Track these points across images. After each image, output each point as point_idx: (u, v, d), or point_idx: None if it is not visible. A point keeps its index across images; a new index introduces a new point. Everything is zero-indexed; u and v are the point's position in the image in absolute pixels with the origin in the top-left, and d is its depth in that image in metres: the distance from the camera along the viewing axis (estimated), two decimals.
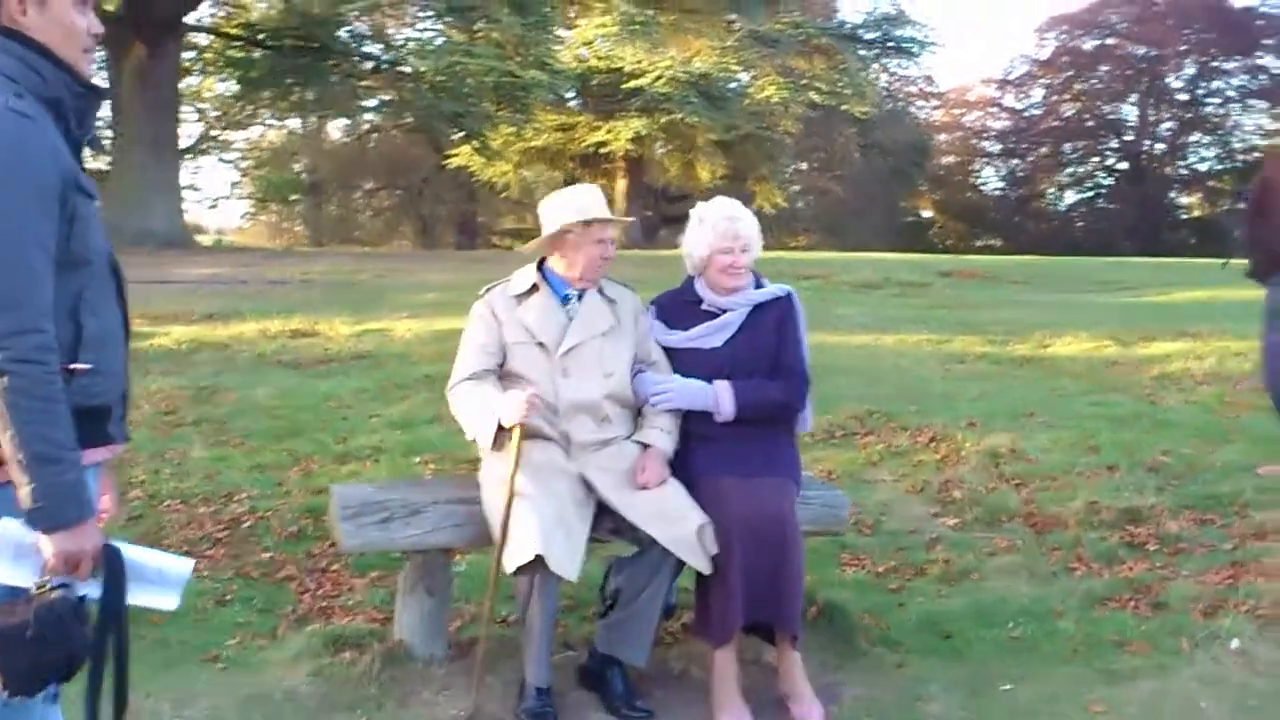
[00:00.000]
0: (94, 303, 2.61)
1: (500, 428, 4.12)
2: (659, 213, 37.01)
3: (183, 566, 2.70)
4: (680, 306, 4.64)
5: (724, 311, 4.55)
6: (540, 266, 4.52)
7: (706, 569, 4.11)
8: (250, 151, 42.53)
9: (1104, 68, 48.99)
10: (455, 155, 30.62)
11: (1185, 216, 50.34)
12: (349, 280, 15.13)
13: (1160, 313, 12.63)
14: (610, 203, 20.26)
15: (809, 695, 4.20)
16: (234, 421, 7.88)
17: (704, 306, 4.58)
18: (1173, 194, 50.76)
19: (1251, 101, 49.51)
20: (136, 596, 2.60)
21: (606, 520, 4.24)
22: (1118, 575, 5.28)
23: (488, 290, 4.51)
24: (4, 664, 2.41)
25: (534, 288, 4.44)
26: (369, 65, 24.80)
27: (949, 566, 5.45)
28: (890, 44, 33.66)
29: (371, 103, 28.90)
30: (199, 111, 34.98)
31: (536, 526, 3.96)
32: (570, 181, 35.88)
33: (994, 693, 4.32)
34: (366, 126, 38.65)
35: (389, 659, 4.40)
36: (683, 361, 4.51)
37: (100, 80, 2.90)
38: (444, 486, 4.59)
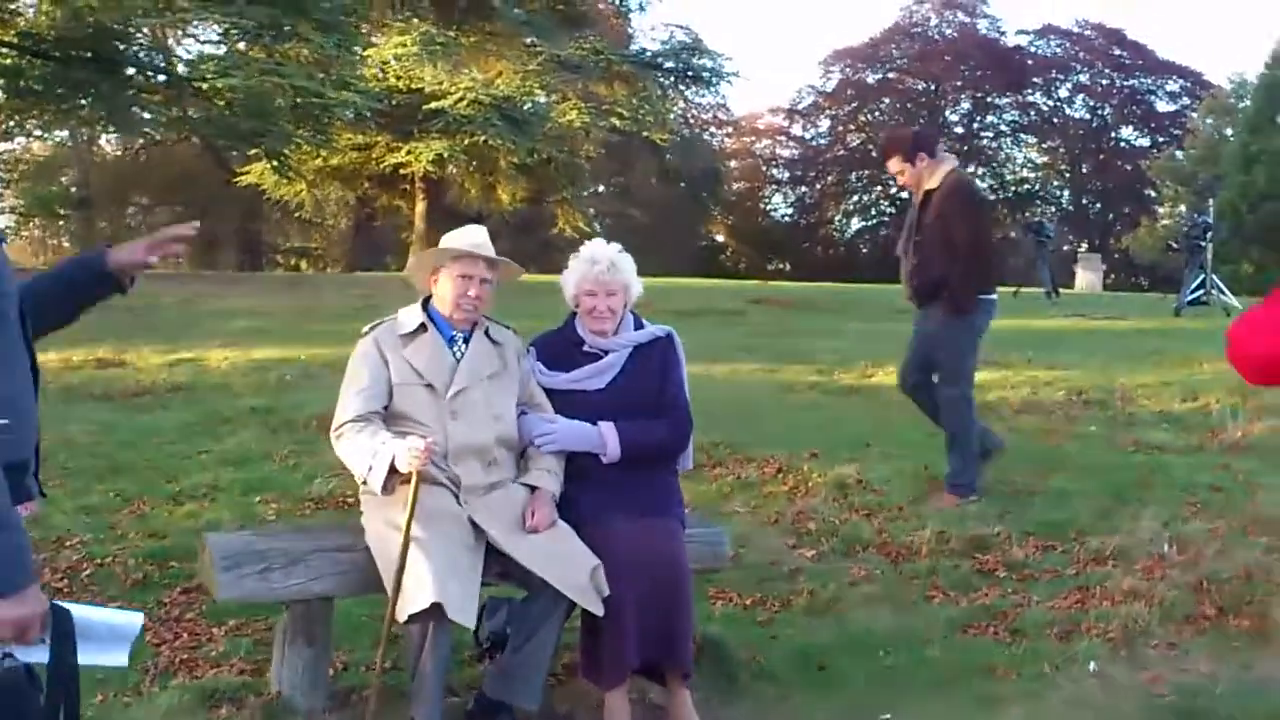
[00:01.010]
0: (4, 358, 2.46)
1: (392, 470, 4.05)
2: None
3: (133, 620, 2.58)
4: (561, 347, 4.64)
5: (606, 353, 4.57)
6: (425, 306, 4.47)
7: (599, 611, 4.12)
8: (13, 164, 40.45)
9: (886, 100, 50.86)
10: (246, 173, 29.79)
11: None
12: (152, 305, 14.56)
13: None
14: (410, 224, 19.95)
15: None
16: (50, 460, 7.44)
17: (585, 348, 4.60)
18: None
19: (1022, 135, 52.16)
20: (86, 657, 2.47)
21: (494, 564, 4.21)
22: (975, 602, 5.47)
23: (372, 328, 4.42)
24: None
25: (421, 327, 4.38)
26: (160, 79, 23.92)
27: (814, 598, 5.55)
28: (689, 73, 34.14)
29: (153, 117, 27.79)
30: None
31: (431, 574, 3.91)
32: (366, 201, 35.59)
33: None
34: (143, 141, 37.20)
35: (268, 713, 4.26)
36: (565, 403, 4.51)
37: None
38: (324, 533, 4.47)
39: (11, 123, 32.69)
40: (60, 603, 2.44)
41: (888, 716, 4.47)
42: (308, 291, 17.36)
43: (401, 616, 3.97)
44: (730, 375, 9.91)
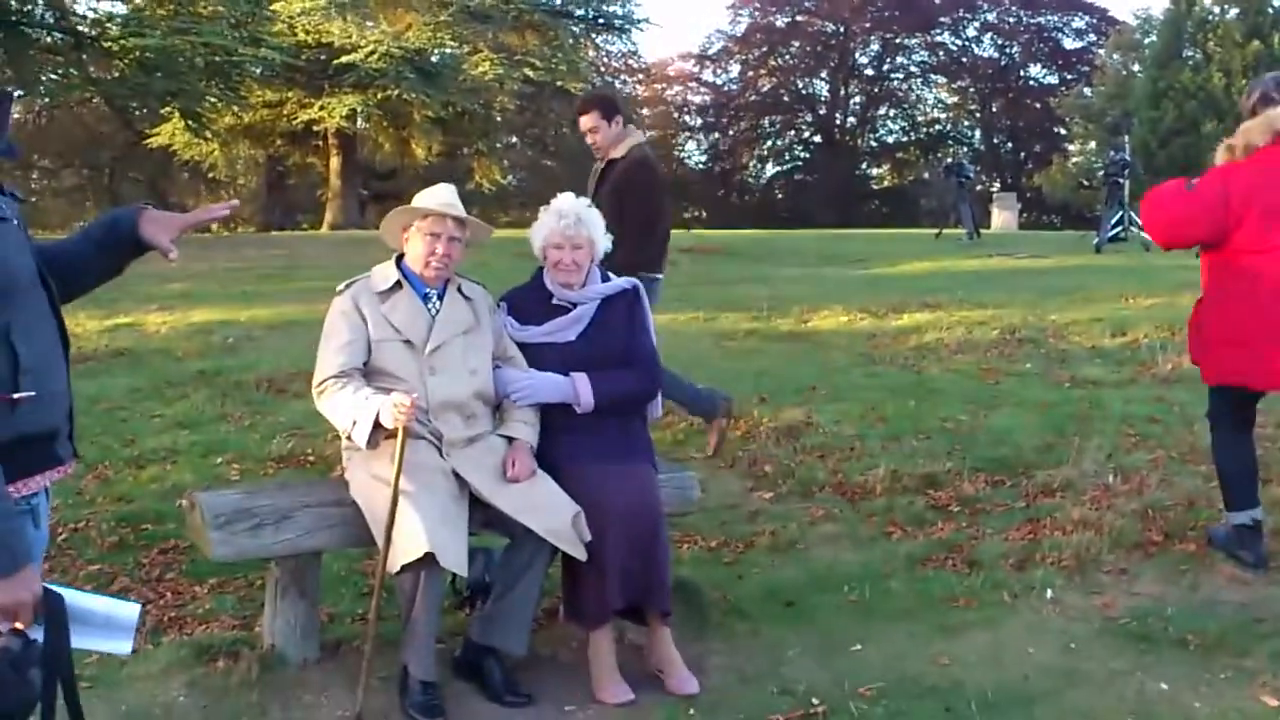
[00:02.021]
0: (26, 326, 2.50)
1: (376, 425, 4.12)
2: (370, 190, 36.37)
3: (130, 610, 2.61)
4: (530, 302, 4.74)
5: (574, 306, 4.67)
6: (399, 264, 4.53)
7: (583, 556, 4.26)
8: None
9: (796, 44, 50.96)
10: (157, 134, 29.25)
11: (876, 187, 53.05)
12: None
13: (897, 284, 13.39)
14: (324, 181, 19.72)
15: (683, 668, 4.39)
16: None
17: (554, 301, 4.69)
18: (864, 165, 53.38)
19: (932, 76, 52.61)
20: (86, 642, 2.53)
21: (478, 514, 4.34)
22: (931, 537, 5.68)
23: (348, 285, 4.48)
24: None
25: (396, 285, 4.45)
26: (63, 39, 23.38)
27: (775, 538, 5.73)
28: (600, 20, 34.00)
29: (57, 77, 27.17)
30: None
31: (422, 524, 4.02)
32: (278, 159, 35.09)
33: (846, 654, 4.61)
34: (44, 103, 36.36)
35: (264, 665, 4.36)
36: (538, 356, 4.63)
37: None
38: (310, 489, 4.55)
39: None
40: (53, 586, 2.47)
41: (858, 647, 4.65)
42: (228, 252, 17.15)
43: (394, 567, 4.08)
44: (670, 324, 10.01)
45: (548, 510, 4.26)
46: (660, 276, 6.61)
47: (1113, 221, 17.38)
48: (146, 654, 4.48)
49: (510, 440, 4.45)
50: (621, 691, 4.28)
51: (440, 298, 4.48)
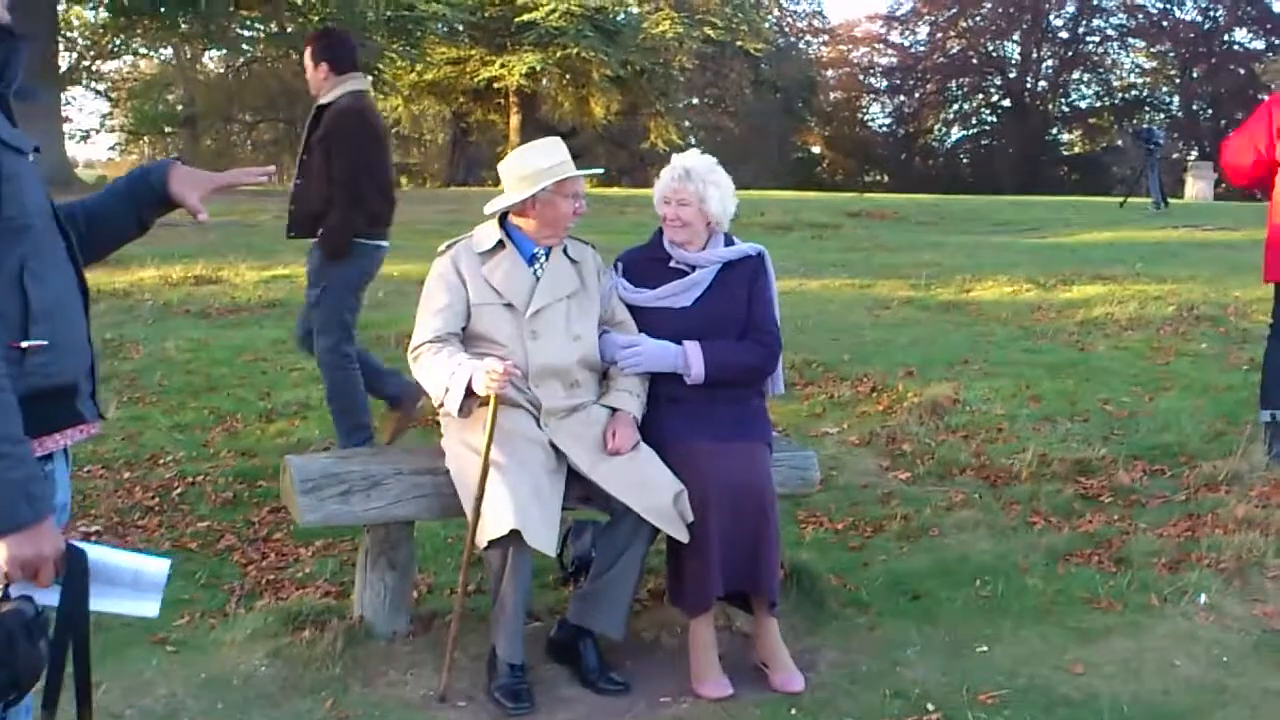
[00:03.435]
0: (40, 270, 2.32)
1: (469, 392, 3.91)
2: None
3: (159, 567, 2.41)
4: (647, 263, 4.46)
5: (693, 269, 4.39)
6: (502, 222, 4.30)
7: (684, 538, 3.99)
8: (122, 82, 40.93)
9: (987, 5, 49.37)
10: None
11: (1067, 153, 51.24)
12: (246, 222, 14.63)
13: (1071, 255, 12.74)
14: (505, 138, 19.85)
15: (788, 663, 4.10)
16: (145, 377, 7.55)
17: (672, 264, 4.41)
18: (1054, 131, 51.61)
19: (1129, 39, 50.44)
20: (112, 604, 2.33)
21: (576, 488, 4.10)
22: (1077, 529, 5.26)
23: (449, 246, 4.27)
24: None
25: (499, 245, 4.23)
26: None
27: (907, 523, 5.39)
28: None
29: (251, 34, 27.96)
30: (67, 40, 33.53)
31: (511, 499, 3.80)
32: (461, 116, 35.53)
33: (971, 655, 4.27)
34: (245, 57, 37.45)
35: (350, 637, 4.20)
36: (649, 321, 4.35)
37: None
38: (404, 456, 4.36)
39: (117, 41, 33.11)
40: (77, 542, 2.30)
41: (984, 649, 4.30)
42: (401, 206, 17.28)
43: (481, 542, 3.88)
44: (823, 290, 9.70)
45: (648, 487, 4.00)
46: (385, 244, 5.97)
47: None
48: (236, 619, 4.39)
49: (613, 411, 4.20)
50: (721, 685, 4.02)
51: (545, 259, 4.25)
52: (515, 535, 3.77)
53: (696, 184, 4.34)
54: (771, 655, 4.13)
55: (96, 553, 2.32)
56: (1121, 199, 19.43)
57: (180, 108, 42.77)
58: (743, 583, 4.11)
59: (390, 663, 4.14)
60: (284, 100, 41.43)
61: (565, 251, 4.30)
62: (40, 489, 2.23)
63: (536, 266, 4.22)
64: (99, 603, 2.30)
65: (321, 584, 4.74)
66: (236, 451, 6.23)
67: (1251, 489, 5.50)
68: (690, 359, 4.25)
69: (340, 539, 5.10)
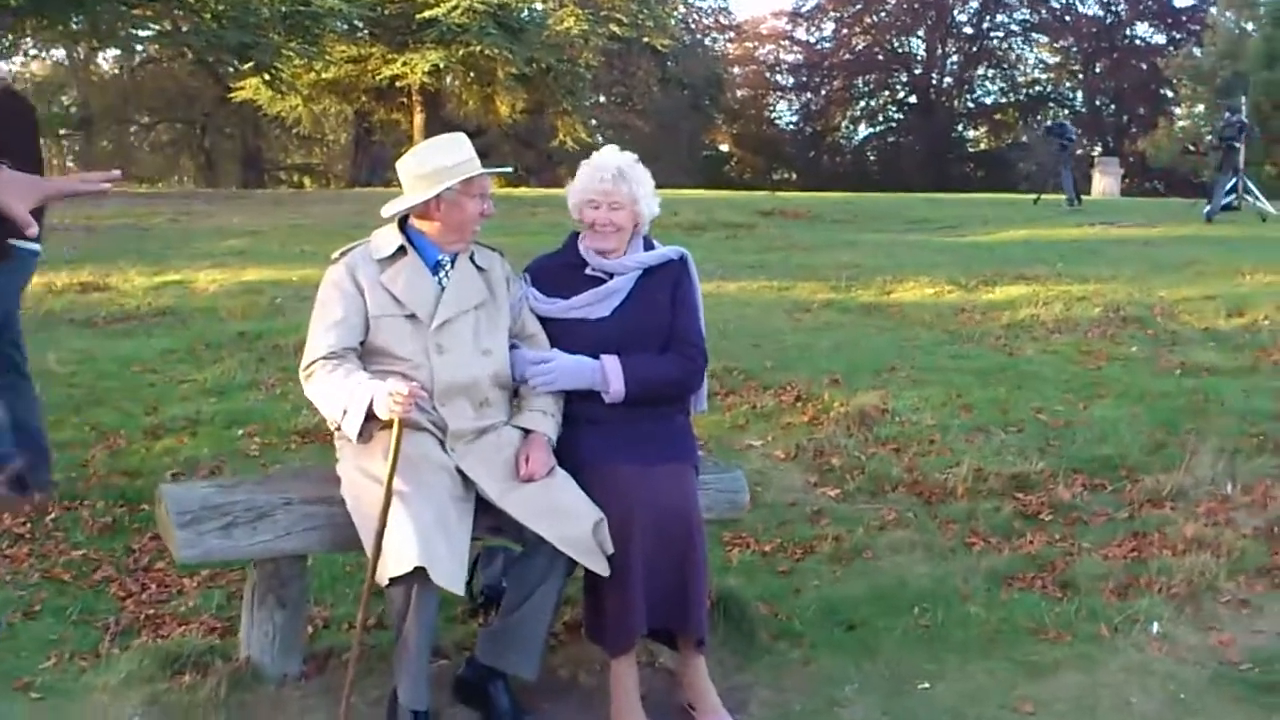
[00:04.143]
0: None
1: (369, 415, 3.51)
2: None
3: None
4: (559, 271, 4.08)
5: (610, 276, 4.01)
6: (402, 226, 3.90)
7: (604, 571, 3.62)
8: (13, 84, 39.71)
9: (892, 1, 49.59)
10: (241, 89, 29.08)
11: (973, 150, 51.69)
12: (139, 225, 14.01)
13: (989, 254, 12.57)
14: (409, 138, 19.33)
15: (717, 704, 3.77)
16: None
17: (588, 271, 4.03)
18: (960, 127, 52.03)
19: (1033, 34, 51.00)
20: None
21: (485, 517, 3.72)
22: (1018, 551, 4.98)
23: (344, 253, 3.87)
24: None
25: (400, 251, 3.82)
26: None
27: (839, 544, 5.07)
28: None
29: (147, 33, 27.14)
30: None
31: (414, 532, 3.41)
32: (364, 115, 34.83)
33: (912, 692, 3.97)
34: (141, 58, 36.48)
35: (235, 681, 3.78)
36: (563, 334, 3.97)
37: None
38: (294, 483, 3.93)
39: (6, 41, 32.06)
40: None
41: (926, 685, 3.99)
42: (301, 208, 16.74)
43: (383, 580, 3.48)
44: (740, 293, 9.37)
45: (564, 516, 3.62)
46: (38, 249, 5.38)
47: (1226, 189, 16.25)
48: (110, 660, 3.96)
49: (526, 433, 3.81)
50: None
51: (451, 266, 3.85)
52: (420, 572, 3.38)
53: (630, 184, 3.98)
54: (699, 696, 3.79)
55: None
56: (1035, 196, 19.39)
57: (74, 110, 41.70)
58: (668, 619, 3.76)
59: (280, 709, 3.74)
60: (182, 100, 40.61)
61: (472, 258, 3.92)
62: None
63: (441, 275, 3.84)
64: None
65: (206, 619, 4.31)
66: (118, 471, 5.75)
67: (1198, 505, 5.27)
68: (609, 375, 3.88)
69: (229, 568, 4.66)
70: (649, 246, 4.09)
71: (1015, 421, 6.37)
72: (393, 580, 3.45)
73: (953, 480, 5.58)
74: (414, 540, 3.39)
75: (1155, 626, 4.30)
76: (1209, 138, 36.56)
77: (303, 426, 6.30)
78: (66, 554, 4.87)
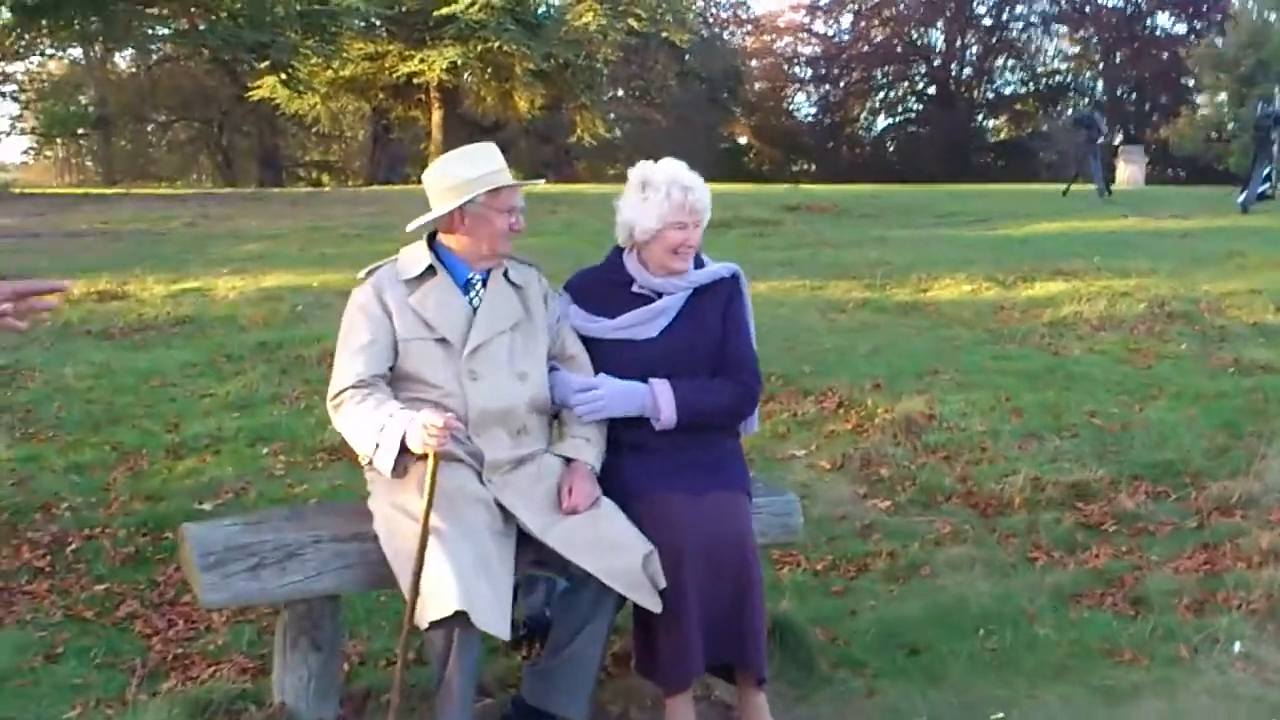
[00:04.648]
0: None
1: (403, 449, 3.29)
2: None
3: None
4: (603, 289, 3.84)
5: (659, 295, 3.77)
6: (431, 243, 3.68)
7: (657, 607, 3.40)
8: (31, 83, 39.75)
9: None
10: (259, 87, 28.94)
11: (993, 140, 51.24)
12: (156, 230, 13.81)
13: (1023, 248, 12.28)
14: (427, 135, 19.16)
15: None
16: (41, 409, 6.81)
17: (635, 289, 3.79)
18: (980, 118, 51.59)
19: (1053, 25, 50.53)
20: None
21: (528, 552, 3.50)
22: (1084, 565, 4.75)
23: (370, 273, 3.64)
24: None
25: (429, 270, 3.60)
26: None
27: (894, 561, 4.84)
28: None
29: (163, 32, 27.04)
30: None
31: (454, 573, 3.19)
32: (381, 112, 34.69)
33: None
34: (157, 57, 36.38)
35: None
36: (608, 356, 3.74)
37: None
38: (324, 520, 3.71)
39: (21, 42, 32.05)
40: None
41: (1000, 715, 3.75)
42: (319, 209, 16.53)
43: (422, 623, 3.26)
44: (772, 293, 9.11)
45: (612, 550, 3.40)
46: None
47: (1262, 178, 15.89)
48: (138, 709, 3.74)
49: (567, 462, 3.59)
50: None
51: (483, 285, 3.63)
52: (461, 615, 3.16)
53: (707, 201, 3.75)
54: None
55: None
56: (1064, 187, 19.06)
57: (92, 109, 41.72)
58: (726, 655, 3.54)
59: None
60: (199, 99, 40.52)
61: (506, 275, 3.69)
62: None
63: (473, 294, 3.61)
64: None
65: (237, 658, 4.10)
66: (140, 496, 5.54)
67: (1269, 513, 5.01)
68: (660, 401, 3.65)
69: None
70: (698, 261, 3.86)
71: (1068, 426, 6.13)
72: (433, 624, 3.24)
73: (1009, 490, 5.35)
74: (454, 581, 3.17)
75: (1237, 646, 4.07)
76: (1230, 125, 36.34)
77: (329, 443, 6.08)
78: (89, 588, 4.67)
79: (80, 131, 42.02)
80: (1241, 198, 16.00)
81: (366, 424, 3.39)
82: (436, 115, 31.48)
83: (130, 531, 5.13)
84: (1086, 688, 3.90)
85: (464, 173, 3.59)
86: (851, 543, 5.05)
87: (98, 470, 5.89)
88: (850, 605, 4.52)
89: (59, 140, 43.22)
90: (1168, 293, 9.04)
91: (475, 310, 3.59)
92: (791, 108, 51.90)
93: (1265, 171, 15.90)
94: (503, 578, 3.34)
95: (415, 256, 3.64)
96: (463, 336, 3.53)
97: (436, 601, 3.20)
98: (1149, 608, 4.36)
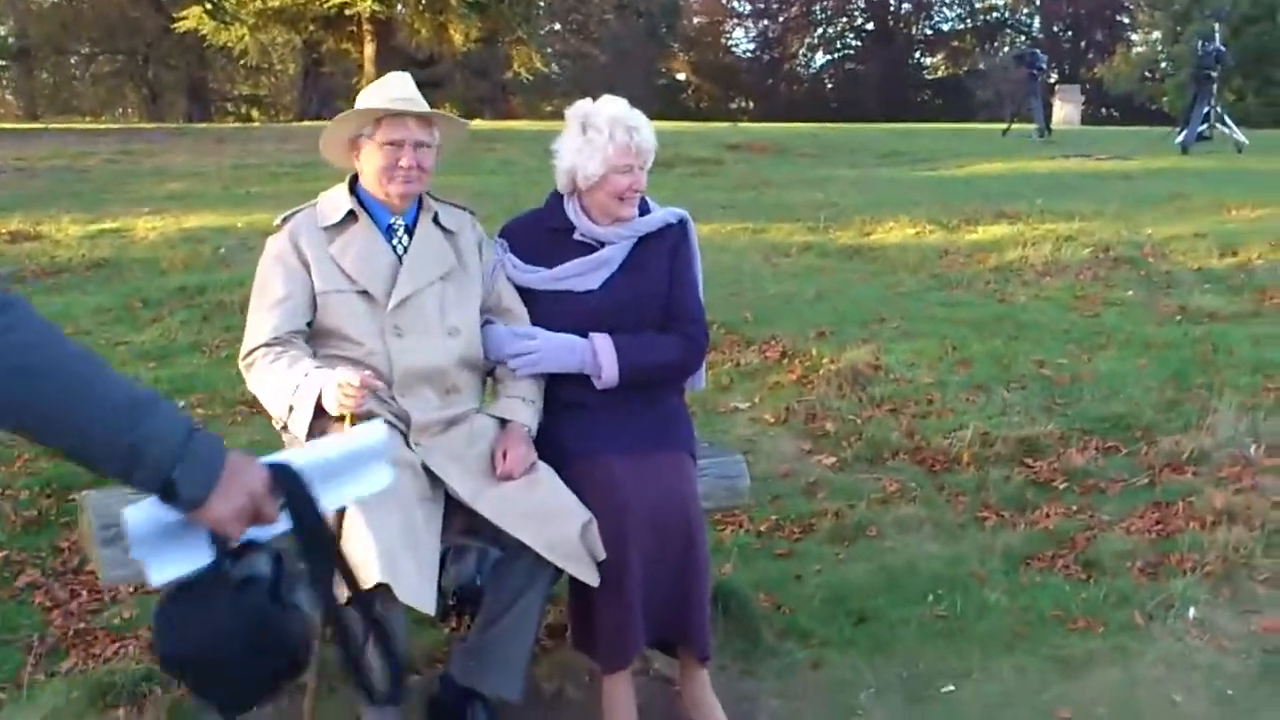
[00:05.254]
0: None
1: (319, 411, 3.05)
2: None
3: (371, 434, 2.17)
4: (541, 236, 3.58)
5: (601, 244, 3.53)
6: (353, 188, 3.41)
7: (595, 580, 3.19)
8: None
9: None
10: (185, 18, 28.10)
11: (930, 78, 51.19)
12: (76, 166, 13.30)
13: (966, 188, 12.10)
14: (359, 68, 18.61)
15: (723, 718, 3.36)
16: None
17: (576, 236, 3.55)
18: (918, 54, 51.49)
19: None
20: (344, 497, 2.11)
21: (458, 519, 3.26)
22: (1034, 526, 4.59)
23: (286, 219, 3.37)
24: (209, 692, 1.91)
25: (350, 216, 3.34)
26: None
27: (840, 521, 4.66)
28: None
29: None
30: None
31: (375, 543, 2.94)
32: (313, 45, 33.90)
33: (935, 697, 3.60)
34: None
35: (175, 714, 3.33)
36: (546, 308, 3.49)
37: None
38: None
39: None
40: (274, 459, 1.90)
41: (951, 688, 3.62)
42: (247, 145, 16.05)
43: (340, 597, 3.01)
44: (714, 236, 8.87)
45: (547, 518, 3.18)
46: None
47: (1201, 118, 15.80)
48: (32, 693, 3.49)
49: (503, 423, 3.36)
50: None
51: (409, 231, 3.37)
52: (383, 589, 2.93)
53: (652, 142, 3.50)
54: (704, 710, 3.38)
55: (302, 457, 1.97)
56: (1005, 126, 18.93)
57: (11, 40, 40.44)
58: (669, 630, 3.35)
59: None
60: (124, 30, 39.40)
61: (436, 220, 3.42)
62: (209, 441, 1.80)
63: (395, 241, 3.35)
64: (332, 501, 2.03)
65: (144, 633, 3.82)
66: (47, 454, 5.23)
67: (1220, 470, 4.89)
68: (601, 357, 3.42)
69: None
70: (644, 207, 3.62)
71: (1017, 377, 5.97)
72: (352, 598, 3.02)
73: (957, 445, 5.18)
74: (375, 553, 2.92)
75: (1191, 611, 3.94)
76: (1164, 64, 36.45)
77: (250, 396, 5.79)
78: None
79: (0, 63, 40.77)
80: (1180, 137, 15.91)
81: (280, 385, 3.14)
82: (369, 48, 30.74)
83: (34, 493, 4.82)
84: (1040, 658, 3.75)
85: (363, 102, 3.34)
86: (796, 502, 4.86)
87: None
88: (795, 569, 4.34)
89: None
90: (1112, 237, 8.91)
91: (401, 258, 3.34)
92: (730, 44, 51.60)
93: (1204, 111, 15.80)
94: (429, 549, 3.10)
95: (335, 201, 3.36)
96: (386, 289, 3.28)
97: (356, 573, 2.97)
98: (1101, 571, 4.22)
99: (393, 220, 3.37)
